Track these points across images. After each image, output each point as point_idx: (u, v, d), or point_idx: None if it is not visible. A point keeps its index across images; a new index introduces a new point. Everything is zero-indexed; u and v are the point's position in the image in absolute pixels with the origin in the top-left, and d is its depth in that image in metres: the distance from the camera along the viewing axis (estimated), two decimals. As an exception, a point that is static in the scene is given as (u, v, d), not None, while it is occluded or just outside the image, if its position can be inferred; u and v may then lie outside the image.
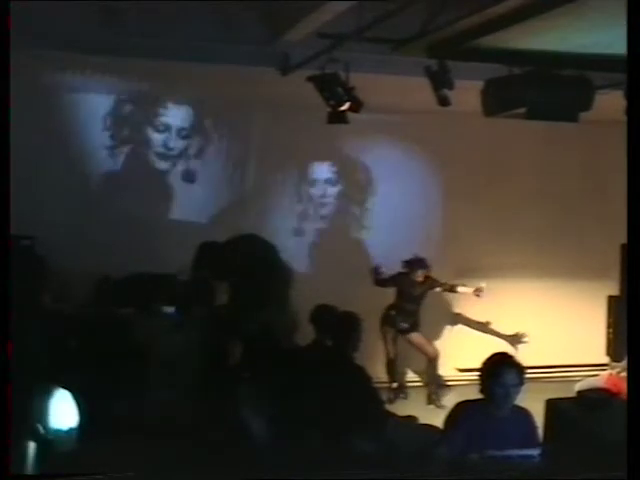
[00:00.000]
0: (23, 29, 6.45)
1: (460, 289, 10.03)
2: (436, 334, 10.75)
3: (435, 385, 10.03)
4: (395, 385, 9.98)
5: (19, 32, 6.26)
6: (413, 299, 9.93)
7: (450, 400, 9.56)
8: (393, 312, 9.94)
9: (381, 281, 9.72)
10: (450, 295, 10.38)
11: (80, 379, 4.38)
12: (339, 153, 10.38)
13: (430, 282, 9.93)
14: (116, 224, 9.29)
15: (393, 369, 10.02)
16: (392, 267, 9.99)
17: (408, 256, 9.85)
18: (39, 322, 5.89)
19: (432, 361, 10.07)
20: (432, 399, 9.90)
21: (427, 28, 6.66)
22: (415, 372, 10.51)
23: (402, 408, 8.64)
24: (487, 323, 10.87)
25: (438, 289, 10.00)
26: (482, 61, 7.59)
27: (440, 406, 9.57)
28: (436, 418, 5.58)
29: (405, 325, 9.94)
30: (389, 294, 10.02)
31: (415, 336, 10.02)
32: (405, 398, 10.01)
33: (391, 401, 9.60)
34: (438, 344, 10.36)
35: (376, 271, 9.67)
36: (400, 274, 9.88)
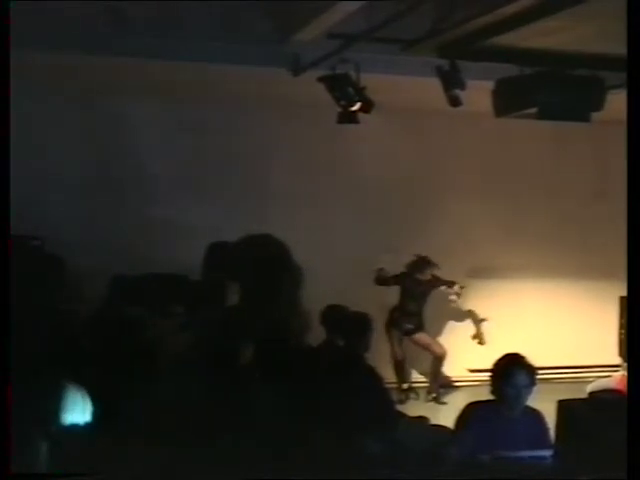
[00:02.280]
0: (28, 29, 6.51)
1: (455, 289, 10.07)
2: (445, 334, 10.76)
3: (437, 383, 10.04)
4: (406, 386, 9.96)
5: (24, 32, 6.31)
6: (416, 298, 9.94)
7: (454, 399, 9.64)
8: (397, 314, 9.96)
9: (383, 280, 9.75)
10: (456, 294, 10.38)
11: (91, 379, 4.38)
12: (349, 153, 10.37)
13: (434, 281, 9.94)
14: (128, 224, 9.32)
15: (402, 371, 10.01)
16: (400, 266, 10.01)
17: (411, 257, 9.90)
18: (50, 321, 5.91)
19: (439, 359, 10.05)
20: (433, 396, 9.91)
21: (438, 28, 6.66)
22: (422, 373, 10.49)
23: (413, 409, 8.63)
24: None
25: (443, 287, 10.00)
26: (493, 61, 7.57)
27: (441, 402, 9.65)
28: (444, 418, 5.56)
29: (410, 326, 9.95)
30: (396, 293, 10.06)
31: (420, 336, 10.01)
32: (417, 399, 10.01)
33: (402, 402, 9.59)
34: (447, 344, 10.36)
35: (378, 272, 9.71)
36: (403, 274, 9.89)
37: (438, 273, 9.97)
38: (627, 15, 3.33)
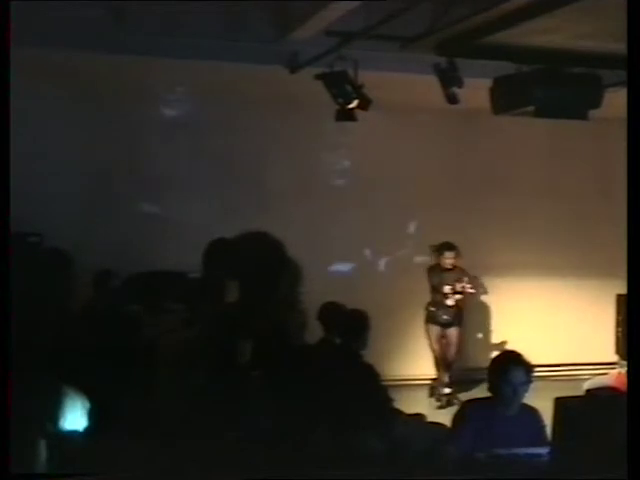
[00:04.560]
0: (33, 28, 6.52)
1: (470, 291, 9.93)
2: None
3: (441, 385, 9.96)
4: (447, 391, 9.76)
5: (29, 31, 6.32)
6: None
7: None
8: (433, 308, 9.78)
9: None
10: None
11: (90, 377, 4.38)
12: (347, 150, 10.38)
13: (459, 271, 9.76)
14: (128, 222, 9.32)
15: (439, 369, 9.89)
16: (401, 265, 10.02)
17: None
18: (50, 319, 5.91)
19: (450, 363, 9.91)
20: (437, 396, 9.87)
21: (435, 26, 6.67)
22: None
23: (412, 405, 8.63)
24: None
25: (466, 279, 9.75)
26: (491, 59, 7.58)
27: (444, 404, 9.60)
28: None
29: (447, 317, 9.76)
30: (396, 291, 10.06)
31: (452, 332, 9.82)
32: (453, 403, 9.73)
33: (442, 407, 9.48)
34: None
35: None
36: (430, 268, 9.77)
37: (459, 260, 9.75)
38: (627, 14, 3.34)
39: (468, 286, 9.74)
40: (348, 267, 10.15)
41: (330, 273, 10.17)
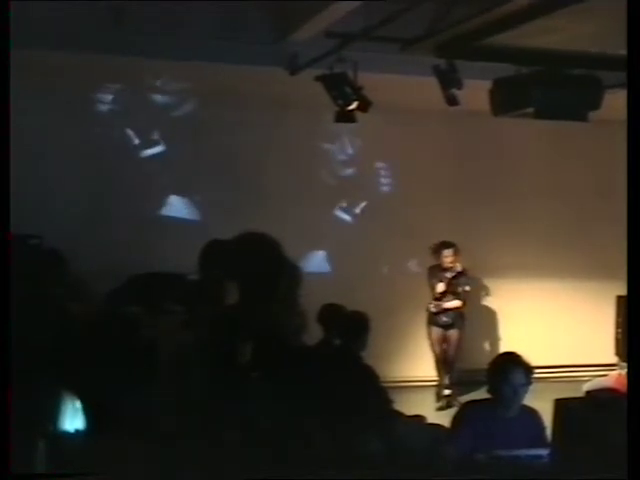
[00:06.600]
0: (33, 28, 6.52)
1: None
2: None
3: (442, 387, 9.89)
4: (447, 392, 9.69)
5: (28, 32, 6.32)
6: (450, 290, 9.65)
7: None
8: (433, 310, 9.70)
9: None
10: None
11: (89, 378, 4.38)
12: (347, 152, 10.38)
13: (459, 271, 9.66)
14: (128, 223, 9.32)
15: (440, 371, 9.83)
16: (402, 266, 9.98)
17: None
18: (50, 320, 5.91)
19: (450, 363, 9.89)
20: (437, 397, 9.82)
21: (435, 28, 6.67)
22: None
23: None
24: None
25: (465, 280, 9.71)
26: (490, 60, 7.57)
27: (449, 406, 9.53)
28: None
29: (447, 319, 9.68)
30: (396, 292, 10.05)
31: (454, 333, 9.73)
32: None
33: (442, 408, 9.40)
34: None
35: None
36: (431, 268, 9.73)
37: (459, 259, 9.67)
38: (627, 15, 3.34)
39: (467, 288, 9.73)
40: (348, 268, 10.12)
41: (330, 274, 10.17)
